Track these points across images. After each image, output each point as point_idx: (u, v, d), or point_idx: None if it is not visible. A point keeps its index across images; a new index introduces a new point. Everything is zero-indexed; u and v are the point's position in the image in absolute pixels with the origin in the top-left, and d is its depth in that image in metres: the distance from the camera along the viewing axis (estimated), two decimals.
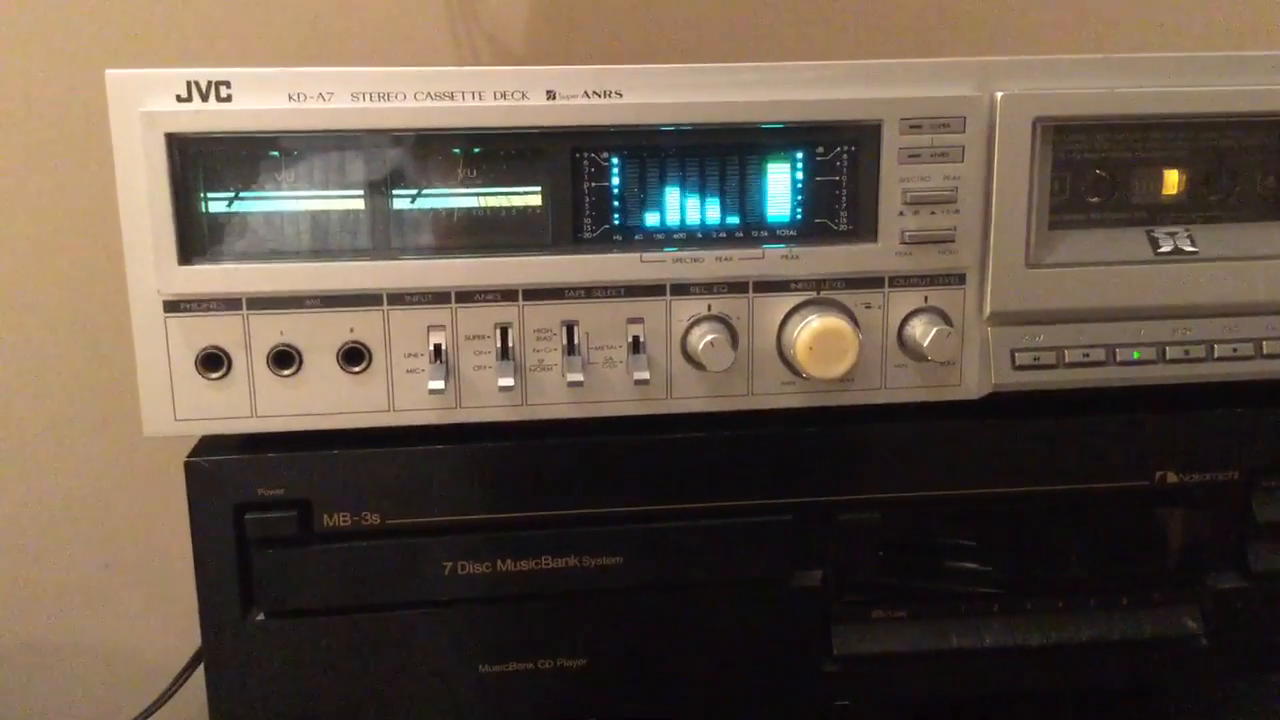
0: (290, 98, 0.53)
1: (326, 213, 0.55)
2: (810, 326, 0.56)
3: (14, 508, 0.94)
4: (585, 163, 0.56)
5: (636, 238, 0.57)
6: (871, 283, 0.58)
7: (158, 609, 0.97)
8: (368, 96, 0.54)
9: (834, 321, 0.56)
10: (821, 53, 1.00)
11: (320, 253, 0.55)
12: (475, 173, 0.55)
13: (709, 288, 0.57)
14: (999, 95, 0.56)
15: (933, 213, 0.57)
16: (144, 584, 0.97)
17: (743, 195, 0.57)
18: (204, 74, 0.53)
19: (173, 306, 0.54)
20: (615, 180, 0.56)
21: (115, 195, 0.53)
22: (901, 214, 0.57)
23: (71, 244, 0.90)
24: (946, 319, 0.59)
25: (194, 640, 0.63)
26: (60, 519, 0.95)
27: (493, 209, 0.56)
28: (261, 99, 0.53)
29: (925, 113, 0.56)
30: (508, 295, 0.56)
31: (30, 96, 0.88)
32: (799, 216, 0.57)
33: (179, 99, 0.53)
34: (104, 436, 0.92)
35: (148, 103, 0.53)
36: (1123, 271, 0.59)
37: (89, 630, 0.97)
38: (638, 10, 0.99)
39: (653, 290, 0.57)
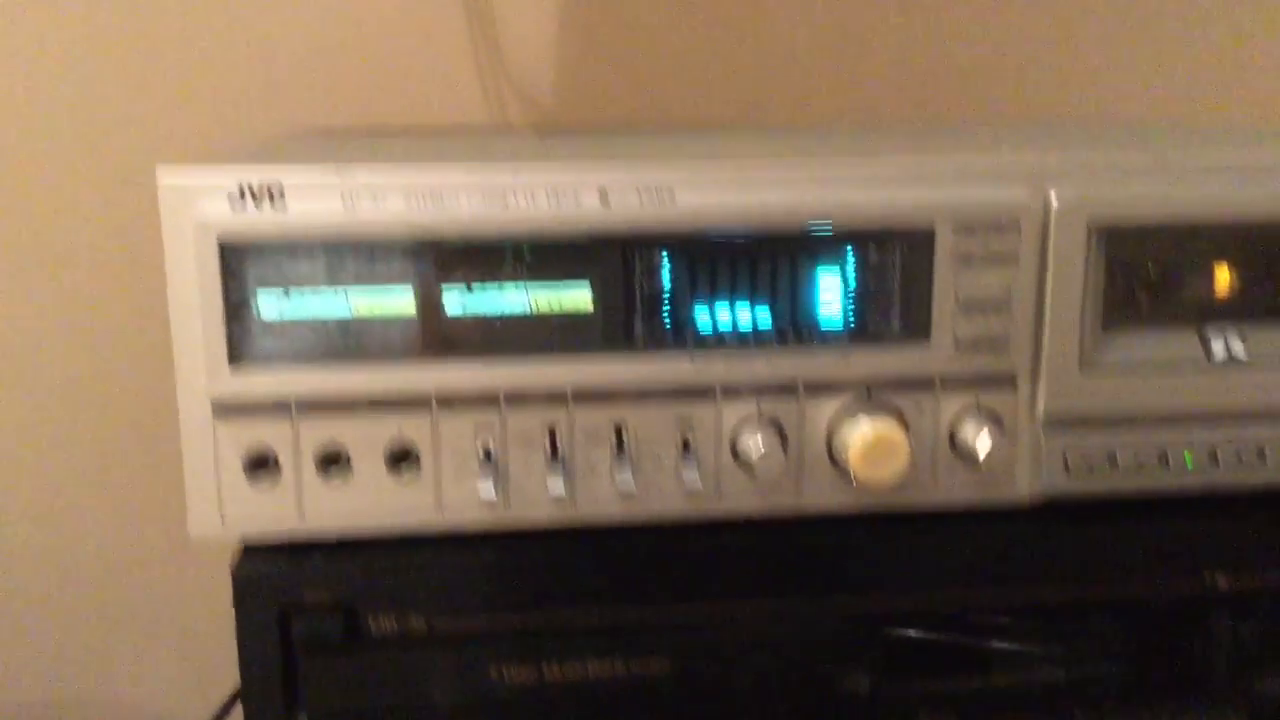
0: (344, 199, 0.53)
1: (377, 314, 0.54)
2: (862, 433, 0.56)
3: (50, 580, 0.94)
4: (636, 263, 0.55)
5: (687, 339, 0.56)
6: (922, 384, 0.58)
7: (189, 675, 0.97)
8: (422, 197, 0.53)
9: (885, 427, 0.56)
10: (849, 107, 1.02)
11: (370, 354, 0.55)
12: (525, 273, 0.55)
13: (759, 389, 0.57)
14: (1054, 198, 0.56)
15: (985, 316, 0.57)
16: (176, 650, 0.97)
17: (794, 296, 0.57)
18: (257, 175, 0.53)
19: (221, 409, 0.54)
20: (666, 281, 0.56)
21: (163, 291, 0.53)
22: (954, 317, 0.57)
23: (118, 343, 0.91)
24: (998, 421, 0.58)
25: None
26: (95, 587, 0.95)
27: (543, 310, 0.55)
28: (315, 201, 0.53)
29: (980, 217, 0.56)
30: (557, 397, 0.56)
31: (77, 191, 0.90)
32: (850, 318, 0.57)
33: (231, 200, 0.52)
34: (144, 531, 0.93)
35: (199, 203, 0.52)
36: (1175, 375, 0.58)
37: (123, 698, 0.97)
38: (664, 68, 1.00)
39: (703, 393, 0.57)
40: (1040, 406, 0.58)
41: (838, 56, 1.04)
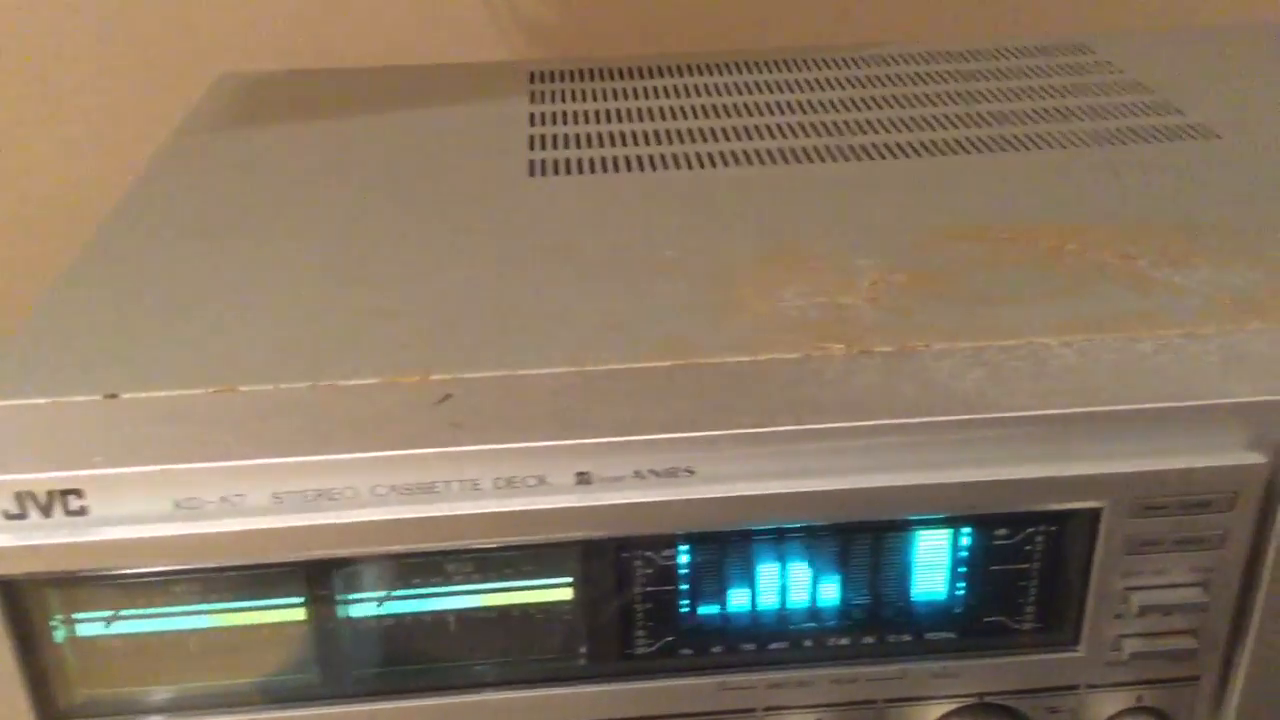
0: (178, 506, 0.34)
1: (246, 631, 0.37)
2: None
3: None
4: (636, 560, 0.37)
5: (714, 651, 0.38)
6: (1062, 690, 0.39)
7: None
8: (300, 497, 0.34)
9: None
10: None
11: (243, 694, 0.37)
12: (468, 575, 0.36)
13: (821, 706, 0.39)
14: None
15: (1168, 613, 0.37)
16: None
17: (874, 584, 0.38)
18: (42, 482, 0.34)
19: None
20: (682, 572, 0.37)
21: None
22: (1119, 617, 0.37)
23: None
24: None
25: None
26: None
27: (498, 612, 0.37)
28: (134, 509, 0.34)
29: (1174, 492, 0.35)
30: None
31: None
32: (960, 611, 0.38)
33: (6, 517, 0.34)
34: None
35: None
36: None
37: None
38: None
39: (738, 713, 0.39)
40: (1232, 712, 0.40)
41: None
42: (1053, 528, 0.37)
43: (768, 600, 0.38)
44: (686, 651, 0.38)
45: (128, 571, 0.35)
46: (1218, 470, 0.35)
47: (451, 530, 0.35)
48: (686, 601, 0.37)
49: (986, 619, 0.38)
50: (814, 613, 0.38)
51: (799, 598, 0.38)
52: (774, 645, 0.38)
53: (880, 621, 0.38)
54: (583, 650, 0.38)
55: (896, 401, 0.36)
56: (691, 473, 0.35)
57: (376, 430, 0.35)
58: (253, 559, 0.35)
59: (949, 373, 0.37)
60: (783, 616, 0.38)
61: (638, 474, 0.35)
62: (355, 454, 0.34)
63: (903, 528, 0.37)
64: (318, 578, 0.36)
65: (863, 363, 0.38)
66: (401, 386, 0.37)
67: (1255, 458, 0.35)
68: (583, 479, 0.35)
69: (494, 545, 0.35)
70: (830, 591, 0.38)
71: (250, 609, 0.36)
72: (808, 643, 0.38)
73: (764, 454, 0.35)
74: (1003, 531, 0.37)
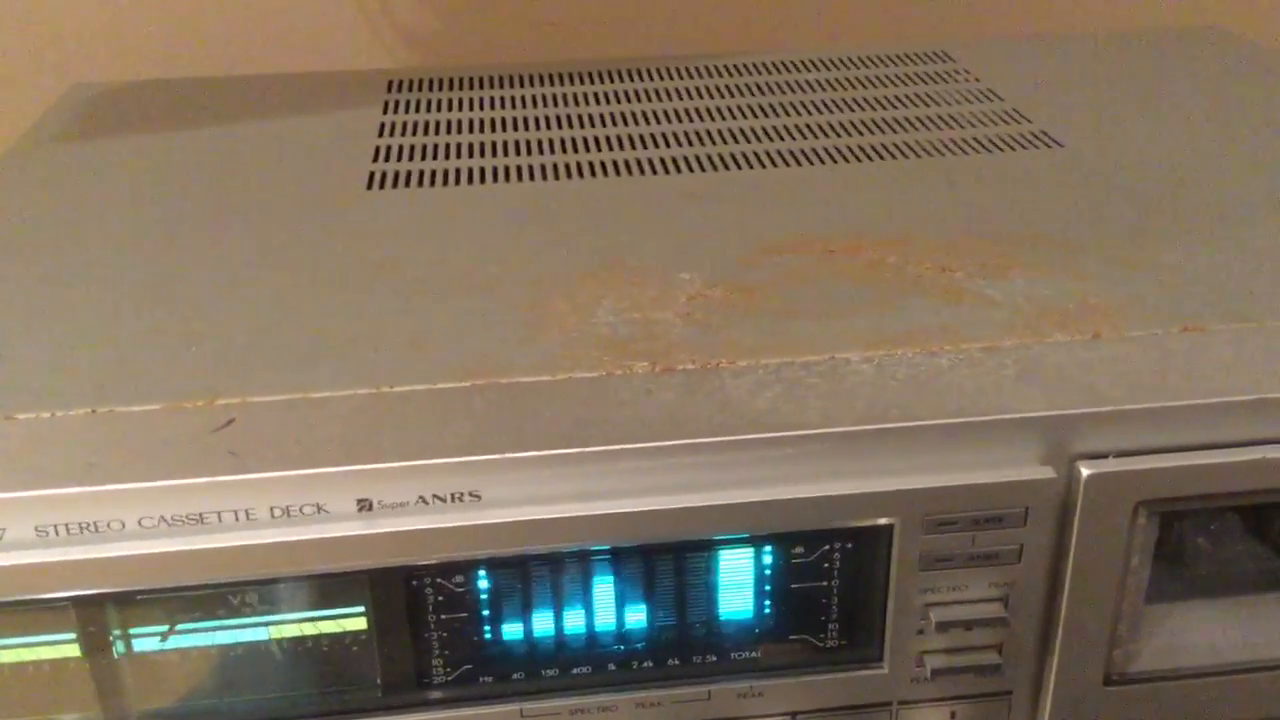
0: None
1: (24, 669, 0.35)
2: None
3: None
4: (427, 587, 0.36)
5: (514, 678, 0.37)
6: (873, 708, 0.39)
7: None
8: (63, 530, 0.33)
9: None
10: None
11: None
12: (256, 607, 0.35)
13: None
14: (1085, 473, 0.35)
15: (969, 629, 0.37)
16: None
17: (680, 604, 0.37)
18: None
19: None
20: (479, 596, 0.36)
21: None
22: (921, 633, 0.37)
23: None
24: None
25: None
26: None
27: (288, 644, 0.36)
28: None
29: (965, 507, 0.35)
30: None
31: None
32: (762, 632, 0.38)
33: None
34: None
35: None
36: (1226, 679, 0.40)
37: None
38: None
39: None
40: None
41: None
42: (849, 545, 0.36)
43: (567, 624, 0.37)
44: (486, 679, 0.37)
45: None
46: (1007, 485, 0.35)
47: (226, 563, 0.34)
48: (483, 628, 0.36)
49: (790, 637, 0.38)
50: (616, 636, 0.37)
51: (599, 621, 0.37)
52: (576, 670, 0.37)
53: (684, 643, 0.37)
54: (378, 681, 0.37)
55: (689, 422, 0.35)
56: (478, 497, 0.34)
57: (149, 459, 0.34)
58: (17, 595, 0.33)
59: (746, 390, 0.36)
60: (583, 640, 0.37)
61: (422, 500, 0.34)
62: (121, 485, 0.33)
63: (697, 548, 0.36)
64: (89, 614, 0.34)
65: (663, 381, 0.37)
66: (184, 412, 0.36)
67: (1046, 472, 0.35)
68: (364, 506, 0.34)
69: (273, 577, 0.34)
70: (631, 614, 0.37)
71: (23, 646, 0.35)
72: (611, 666, 0.37)
73: (551, 477, 0.34)
74: (800, 550, 0.36)
